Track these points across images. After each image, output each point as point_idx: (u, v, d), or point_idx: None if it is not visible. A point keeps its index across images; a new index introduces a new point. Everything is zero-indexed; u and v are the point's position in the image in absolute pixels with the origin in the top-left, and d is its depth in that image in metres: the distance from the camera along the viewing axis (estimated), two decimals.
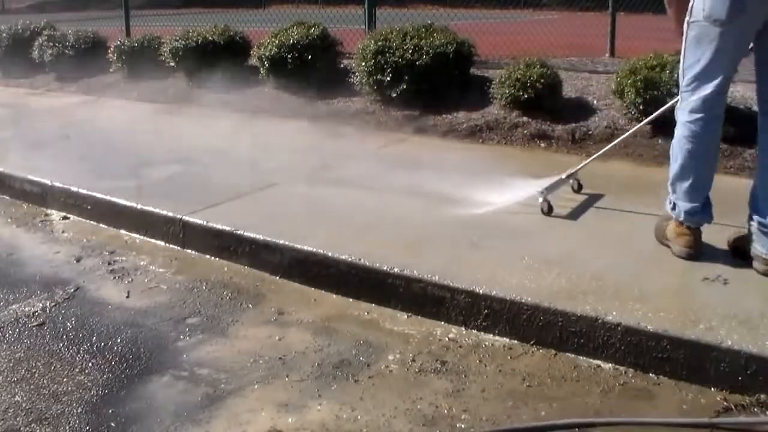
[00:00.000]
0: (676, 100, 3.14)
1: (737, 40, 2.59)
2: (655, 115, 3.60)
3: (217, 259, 3.29)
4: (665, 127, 4.52)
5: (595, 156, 3.70)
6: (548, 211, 3.34)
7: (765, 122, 2.67)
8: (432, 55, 5.32)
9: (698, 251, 2.75)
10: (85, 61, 7.91)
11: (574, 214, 3.36)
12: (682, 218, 2.76)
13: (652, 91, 4.41)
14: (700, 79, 2.65)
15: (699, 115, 2.66)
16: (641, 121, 4.64)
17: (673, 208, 2.80)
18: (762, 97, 2.68)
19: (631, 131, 3.88)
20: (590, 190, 3.69)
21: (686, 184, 2.74)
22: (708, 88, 2.63)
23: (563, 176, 3.54)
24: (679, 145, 2.75)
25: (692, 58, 2.67)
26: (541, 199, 3.35)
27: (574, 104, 5.09)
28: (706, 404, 2.11)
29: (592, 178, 3.90)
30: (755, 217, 2.64)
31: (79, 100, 7.11)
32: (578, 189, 3.68)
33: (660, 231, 2.91)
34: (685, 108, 2.72)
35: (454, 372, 2.33)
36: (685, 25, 2.68)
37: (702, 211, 2.75)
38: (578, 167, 3.60)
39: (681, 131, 2.74)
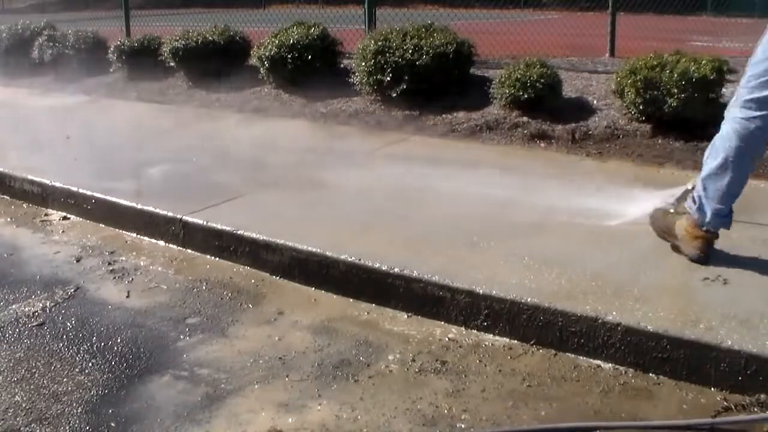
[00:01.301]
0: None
1: None
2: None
3: (217, 259, 3.29)
4: (665, 126, 4.55)
5: None
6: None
7: None
8: (432, 55, 5.32)
9: (708, 256, 2.68)
10: (85, 61, 7.90)
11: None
12: (708, 219, 2.64)
13: (652, 91, 4.41)
14: (764, 77, 2.51)
15: (754, 114, 2.53)
16: (641, 121, 4.66)
17: (699, 208, 2.67)
18: None
19: None
20: (589, 189, 3.68)
21: (722, 183, 2.60)
22: None
23: (689, 186, 2.96)
24: (723, 141, 2.61)
25: (761, 55, 2.53)
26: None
27: (574, 104, 5.09)
28: (706, 404, 2.11)
29: (590, 178, 3.90)
30: None
31: (79, 100, 7.11)
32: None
33: (661, 224, 2.83)
34: (740, 104, 2.58)
35: (454, 372, 2.33)
36: None
37: (728, 215, 2.65)
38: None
39: (730, 126, 2.60)
